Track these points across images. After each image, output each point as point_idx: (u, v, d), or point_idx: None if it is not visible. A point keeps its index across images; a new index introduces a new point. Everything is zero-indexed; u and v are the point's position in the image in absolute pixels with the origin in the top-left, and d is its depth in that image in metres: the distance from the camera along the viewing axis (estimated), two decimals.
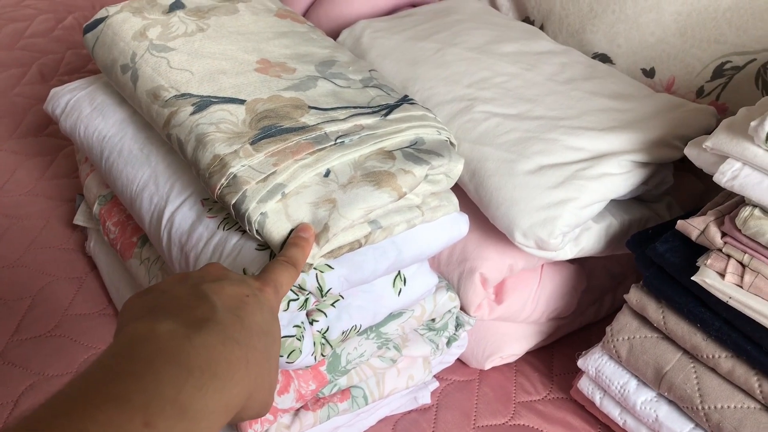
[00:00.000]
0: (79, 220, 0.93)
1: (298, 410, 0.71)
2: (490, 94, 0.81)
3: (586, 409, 0.80)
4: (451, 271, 0.80)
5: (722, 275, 0.63)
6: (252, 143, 0.62)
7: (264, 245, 0.62)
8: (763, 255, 0.62)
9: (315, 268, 0.61)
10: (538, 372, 0.86)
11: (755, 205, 0.63)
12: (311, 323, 0.66)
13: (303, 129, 0.65)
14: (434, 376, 0.84)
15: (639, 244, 0.73)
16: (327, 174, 0.63)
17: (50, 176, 1.10)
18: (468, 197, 0.78)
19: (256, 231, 0.58)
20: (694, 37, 0.88)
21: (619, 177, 0.73)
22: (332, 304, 0.67)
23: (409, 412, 0.81)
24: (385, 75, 0.85)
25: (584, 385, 0.78)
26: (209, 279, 0.44)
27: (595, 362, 0.75)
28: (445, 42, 0.89)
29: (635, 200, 0.81)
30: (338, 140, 0.64)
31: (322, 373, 0.69)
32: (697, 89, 0.88)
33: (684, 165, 0.87)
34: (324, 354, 0.67)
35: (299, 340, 0.63)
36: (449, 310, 0.77)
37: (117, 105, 0.82)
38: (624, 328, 0.73)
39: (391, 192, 0.62)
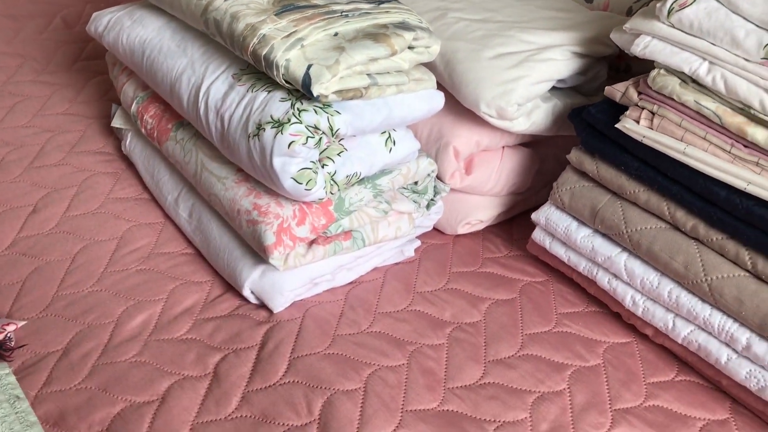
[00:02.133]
0: (117, 122, 1.10)
1: (311, 244, 0.89)
2: (460, 5, 1.00)
3: (540, 260, 0.99)
4: (430, 147, 0.99)
5: (638, 122, 0.83)
6: (276, 14, 0.81)
7: (286, 97, 0.80)
8: (666, 104, 0.82)
9: (326, 112, 0.80)
10: (500, 238, 1.05)
11: (662, 67, 0.83)
12: (322, 167, 0.84)
13: (315, 6, 0.84)
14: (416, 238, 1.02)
15: (578, 115, 0.92)
16: (336, 34, 0.81)
17: (82, 100, 1.27)
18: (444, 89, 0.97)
19: (282, 75, 0.77)
20: None
21: (562, 63, 0.92)
22: (338, 154, 0.85)
23: (397, 263, 0.99)
24: None
25: (537, 235, 0.97)
26: None
27: (545, 213, 0.94)
28: None
29: (575, 91, 1.01)
30: (343, 14, 0.83)
31: (330, 212, 0.87)
32: (627, 9, 1.09)
33: (618, 75, 1.08)
34: (332, 192, 0.85)
35: (315, 172, 0.82)
36: (428, 174, 0.96)
37: (155, 17, 1.00)
38: (567, 181, 0.92)
39: (386, 47, 0.80)
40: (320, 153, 0.84)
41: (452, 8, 1.00)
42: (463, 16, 0.98)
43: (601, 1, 1.12)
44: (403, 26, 0.84)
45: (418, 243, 1.01)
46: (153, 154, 1.06)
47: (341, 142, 0.85)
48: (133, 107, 1.05)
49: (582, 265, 0.92)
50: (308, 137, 0.79)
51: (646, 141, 0.82)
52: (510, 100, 0.89)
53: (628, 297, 0.88)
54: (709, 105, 0.78)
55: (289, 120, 0.79)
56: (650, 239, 0.84)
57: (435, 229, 1.05)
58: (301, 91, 0.79)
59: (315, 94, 0.77)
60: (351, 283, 0.96)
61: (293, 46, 0.78)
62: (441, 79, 0.96)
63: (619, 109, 0.87)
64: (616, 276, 0.89)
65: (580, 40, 0.94)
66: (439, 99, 0.90)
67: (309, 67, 0.77)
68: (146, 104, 1.04)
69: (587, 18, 1.01)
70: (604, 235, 0.90)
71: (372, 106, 0.84)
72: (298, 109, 0.79)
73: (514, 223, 1.09)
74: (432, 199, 0.98)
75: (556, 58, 0.92)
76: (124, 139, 1.12)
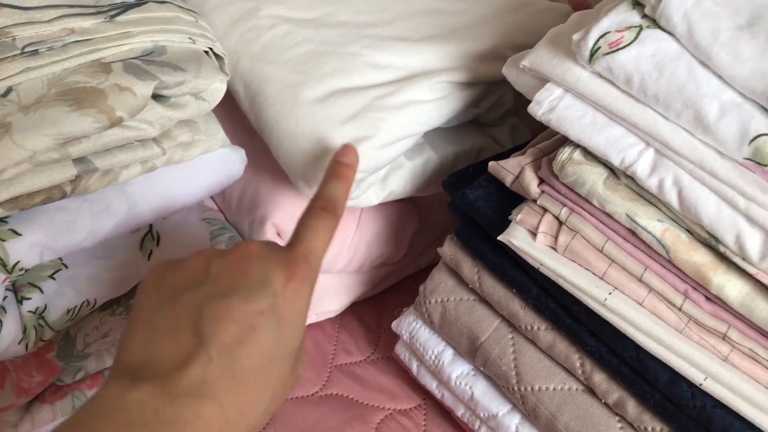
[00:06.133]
0: None
1: (30, 403, 0.57)
2: None
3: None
4: (241, 220, 0.65)
5: (535, 234, 0.50)
6: None
7: None
8: (583, 209, 0.48)
9: None
10: (363, 326, 0.74)
11: (578, 145, 0.49)
12: (20, 301, 0.51)
13: None
14: None
15: (457, 186, 0.59)
16: (7, 93, 0.46)
17: None
18: None
19: None
20: None
21: (431, 105, 0.57)
22: (51, 276, 0.52)
23: None
24: None
25: (401, 350, 0.65)
26: (223, 291, 0.38)
27: (409, 326, 0.63)
28: None
29: (469, 124, 0.67)
30: (26, 49, 0.47)
31: (51, 361, 0.55)
32: None
33: None
34: (44, 339, 0.52)
35: None
36: None
37: None
38: (437, 288, 0.60)
39: (97, 116, 0.45)
40: (11, 284, 0.51)
41: None
42: (284, 14, 0.62)
43: None
44: (141, 67, 0.48)
45: None
46: None
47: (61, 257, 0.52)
48: None
49: (460, 411, 0.62)
50: None
51: (544, 271, 0.50)
52: None
53: None
54: (652, 226, 0.45)
55: None
56: (553, 407, 0.53)
57: None
58: None
59: None
60: None
61: None
62: (249, 119, 0.61)
63: (511, 196, 0.54)
64: None
65: (464, 60, 0.59)
66: (234, 164, 0.57)
67: None
68: None
69: (488, 9, 0.64)
70: (489, 378, 0.59)
71: (94, 204, 0.50)
72: None
73: (387, 297, 0.77)
74: None
75: (421, 99, 0.57)
76: None
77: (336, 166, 0.47)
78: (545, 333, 0.53)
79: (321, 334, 0.73)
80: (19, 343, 0.51)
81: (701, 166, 0.43)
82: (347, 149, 0.48)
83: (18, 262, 0.47)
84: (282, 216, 0.62)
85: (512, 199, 0.53)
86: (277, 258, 0.40)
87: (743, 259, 0.43)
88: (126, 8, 0.53)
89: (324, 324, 0.73)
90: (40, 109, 0.45)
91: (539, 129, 0.62)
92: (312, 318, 0.71)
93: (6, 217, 0.47)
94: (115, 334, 0.57)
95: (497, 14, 0.64)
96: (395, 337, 0.68)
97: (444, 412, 0.66)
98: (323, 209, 0.44)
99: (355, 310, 0.75)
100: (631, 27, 0.45)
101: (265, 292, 0.38)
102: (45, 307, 0.52)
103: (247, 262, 0.40)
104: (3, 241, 0.46)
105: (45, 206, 0.48)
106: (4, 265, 0.47)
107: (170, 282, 0.40)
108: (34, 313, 0.52)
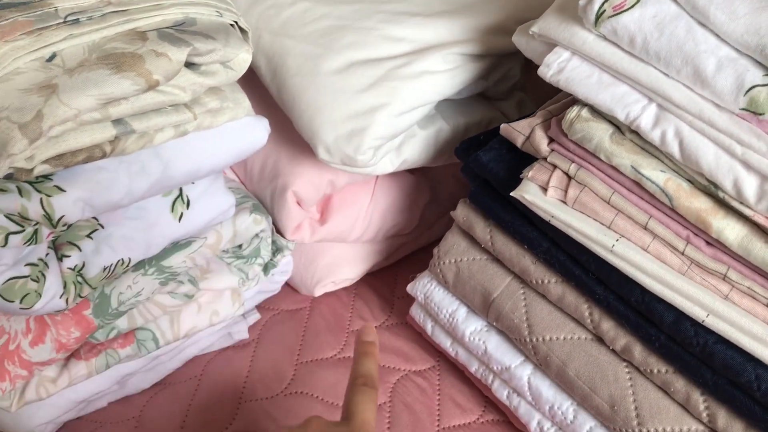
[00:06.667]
0: None
1: (67, 360, 0.60)
2: None
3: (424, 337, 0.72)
4: (263, 189, 0.69)
5: (545, 189, 0.53)
6: None
7: None
8: (591, 164, 0.52)
9: (39, 191, 0.49)
10: (377, 295, 0.77)
11: (584, 105, 0.52)
12: (60, 259, 0.54)
13: (25, 5, 0.51)
14: (258, 306, 0.74)
15: (468, 152, 0.62)
16: (51, 58, 0.49)
17: None
18: None
19: None
20: None
21: (444, 75, 0.61)
22: (88, 235, 0.56)
23: (225, 349, 0.71)
24: None
25: (416, 312, 0.69)
26: None
27: (423, 287, 0.66)
28: None
29: (478, 98, 0.70)
30: (68, 18, 0.51)
31: (87, 318, 0.58)
32: None
33: None
34: (82, 295, 0.56)
35: (36, 280, 0.52)
36: (256, 235, 0.66)
37: None
38: (451, 249, 0.63)
39: (136, 78, 0.48)
40: (51, 243, 0.54)
41: None
42: None
43: None
44: (175, 35, 0.52)
45: (255, 318, 0.73)
46: None
47: (95, 217, 0.55)
48: None
49: (474, 367, 0.65)
50: (9, 234, 0.49)
51: (555, 223, 0.53)
52: (360, 146, 0.58)
53: (533, 422, 0.61)
54: (656, 176, 0.49)
55: None
56: (563, 355, 0.56)
57: (288, 284, 0.76)
58: None
59: (2, 174, 0.46)
60: (156, 386, 0.68)
61: None
62: (271, 93, 0.65)
63: (522, 157, 0.57)
64: (518, 393, 0.62)
65: (474, 33, 0.62)
66: (258, 132, 0.59)
67: None
68: None
69: None
70: (501, 333, 0.62)
71: (131, 165, 0.53)
72: None
73: (399, 269, 0.80)
74: (271, 261, 0.69)
75: (434, 70, 0.60)
76: None
77: (362, 346, 0.51)
78: (555, 286, 0.57)
79: (338, 303, 0.76)
80: (60, 298, 0.54)
81: (700, 117, 0.46)
82: (367, 329, 0.52)
83: (62, 216, 0.50)
84: (301, 184, 0.66)
85: (522, 160, 0.57)
86: (346, 430, 0.46)
87: (741, 202, 0.46)
88: None
89: (340, 293, 0.76)
90: (83, 72, 0.48)
91: (545, 101, 0.66)
92: (329, 286, 0.75)
93: (50, 174, 0.50)
94: (148, 294, 0.60)
95: None
96: (407, 306, 0.72)
97: (457, 372, 0.69)
98: (364, 385, 0.48)
99: (369, 280, 0.78)
100: None
101: None
102: (83, 265, 0.55)
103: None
104: (49, 196, 0.49)
105: (86, 165, 0.51)
106: (50, 219, 0.50)
107: None
108: (74, 270, 0.55)
